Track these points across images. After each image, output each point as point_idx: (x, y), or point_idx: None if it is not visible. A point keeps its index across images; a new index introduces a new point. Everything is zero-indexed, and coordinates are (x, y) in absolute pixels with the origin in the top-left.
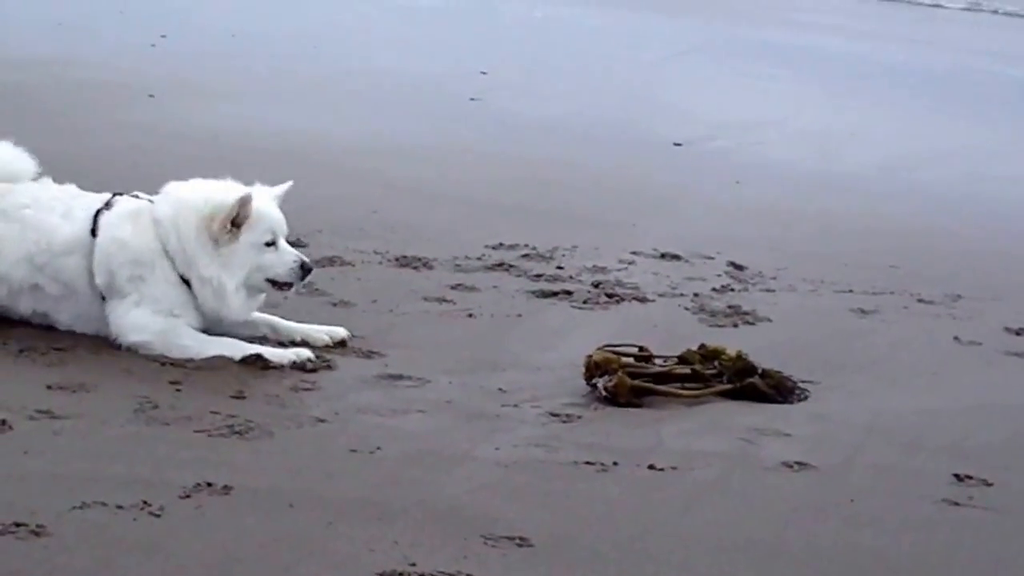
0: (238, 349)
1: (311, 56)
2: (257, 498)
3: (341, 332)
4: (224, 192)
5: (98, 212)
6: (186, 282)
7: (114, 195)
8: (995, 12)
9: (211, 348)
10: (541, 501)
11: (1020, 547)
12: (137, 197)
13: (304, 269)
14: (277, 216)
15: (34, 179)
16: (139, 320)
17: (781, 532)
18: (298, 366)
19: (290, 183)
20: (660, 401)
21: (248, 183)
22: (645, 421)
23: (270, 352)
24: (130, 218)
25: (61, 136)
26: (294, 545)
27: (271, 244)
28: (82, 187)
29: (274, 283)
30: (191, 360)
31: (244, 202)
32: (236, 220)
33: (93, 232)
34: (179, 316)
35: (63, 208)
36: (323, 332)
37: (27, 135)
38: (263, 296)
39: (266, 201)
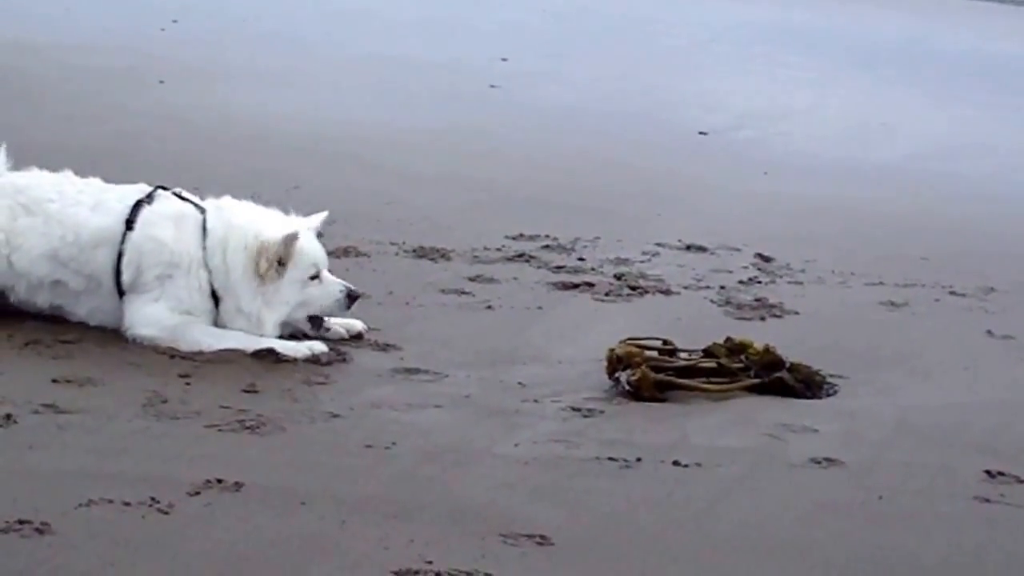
0: (250, 342)
1: (326, 42)
2: (268, 495)
3: (357, 325)
4: (272, 228)
5: (138, 204)
6: (214, 293)
7: (156, 188)
8: None
9: (222, 342)
10: (562, 499)
11: None
12: (180, 196)
13: (351, 297)
14: (318, 249)
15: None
16: (153, 315)
17: (808, 531)
18: (312, 360)
19: (325, 213)
20: (684, 396)
21: (293, 196)
22: (669, 416)
23: (283, 345)
24: (174, 220)
25: (71, 122)
26: (306, 544)
27: (315, 277)
28: (93, 174)
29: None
30: (201, 353)
31: (289, 241)
32: (281, 259)
33: (129, 224)
34: (193, 316)
35: (92, 201)
36: (339, 325)
37: (37, 120)
38: None
39: (305, 235)
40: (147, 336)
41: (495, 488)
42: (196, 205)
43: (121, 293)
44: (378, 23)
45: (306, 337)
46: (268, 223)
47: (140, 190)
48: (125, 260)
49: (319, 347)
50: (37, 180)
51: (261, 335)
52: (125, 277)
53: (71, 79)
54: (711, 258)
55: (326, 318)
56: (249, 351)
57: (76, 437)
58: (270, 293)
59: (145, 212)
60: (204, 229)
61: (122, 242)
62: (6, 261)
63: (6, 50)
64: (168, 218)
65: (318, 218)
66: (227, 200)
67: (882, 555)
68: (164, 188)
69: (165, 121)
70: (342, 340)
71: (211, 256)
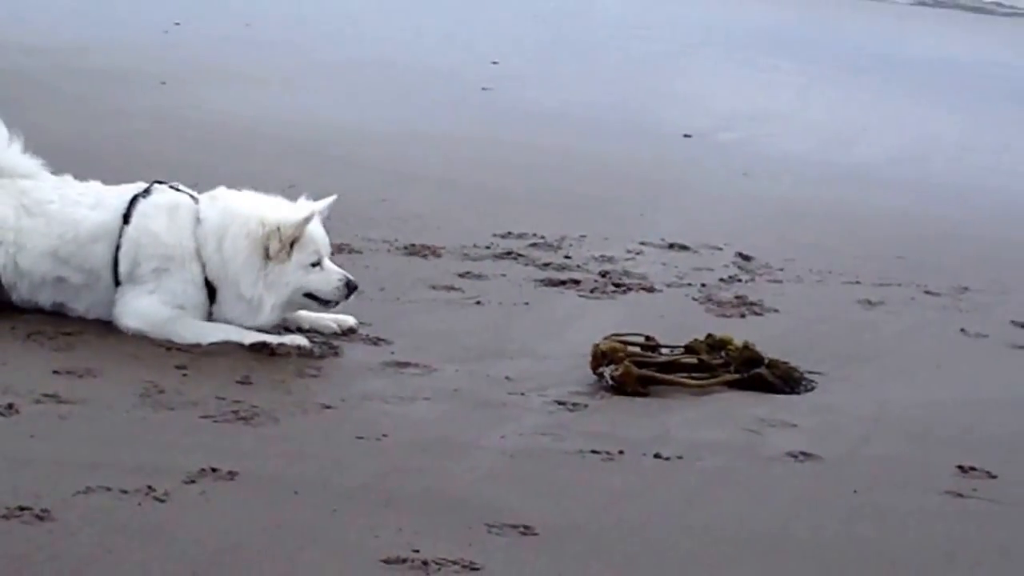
0: (241, 336)
1: (324, 45)
2: (262, 484)
3: (349, 320)
4: (279, 211)
5: (135, 198)
6: (208, 284)
7: (153, 183)
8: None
9: (211, 336)
10: (546, 490)
11: (1023, 537)
12: (176, 188)
13: (350, 287)
14: (323, 235)
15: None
16: (146, 308)
17: (786, 523)
18: (304, 353)
19: (334, 197)
20: (666, 390)
21: (289, 195)
22: (651, 410)
23: (274, 339)
24: (167, 211)
25: (74, 122)
26: (298, 531)
27: (316, 264)
28: (94, 172)
29: (319, 299)
30: (198, 345)
31: (308, 220)
32: (295, 240)
33: (126, 219)
34: (186, 310)
35: (92, 200)
36: (330, 320)
37: (40, 120)
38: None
39: (315, 220)
40: (135, 328)
41: (482, 479)
42: (192, 196)
43: (119, 285)
44: (372, 29)
45: (300, 331)
46: (272, 208)
47: (138, 186)
48: (122, 252)
49: (301, 340)
50: (39, 182)
51: (258, 320)
52: (122, 268)
53: (74, 80)
54: (693, 257)
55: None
56: (246, 343)
57: (76, 426)
58: (273, 276)
59: (140, 205)
60: (197, 219)
61: (119, 236)
62: (12, 261)
63: (10, 52)
64: (161, 209)
65: (326, 202)
66: (221, 190)
67: (856, 546)
68: (161, 182)
69: (166, 121)
70: (334, 335)
71: (204, 244)
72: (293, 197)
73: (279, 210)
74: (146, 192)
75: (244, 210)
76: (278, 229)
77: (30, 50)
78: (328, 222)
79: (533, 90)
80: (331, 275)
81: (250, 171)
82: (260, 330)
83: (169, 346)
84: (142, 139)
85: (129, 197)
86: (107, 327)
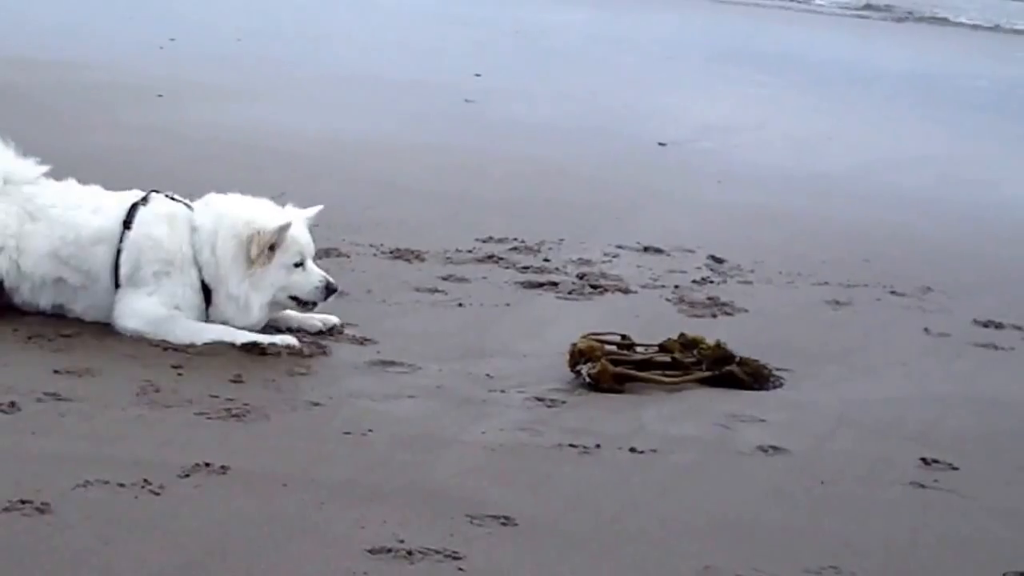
0: (233, 336)
1: (313, 60)
2: (253, 478)
3: (333, 319)
4: (264, 215)
5: (134, 206)
6: (205, 287)
7: (150, 192)
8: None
9: (206, 336)
10: (526, 482)
11: (984, 527)
12: (173, 198)
13: (329, 289)
14: (307, 239)
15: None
16: (144, 308)
17: (755, 513)
18: (294, 352)
19: (320, 207)
20: (641, 387)
21: (278, 200)
22: (626, 406)
23: (265, 339)
24: (167, 219)
25: (72, 134)
26: (288, 523)
27: (299, 265)
28: (92, 182)
29: (299, 300)
30: (193, 344)
31: (284, 229)
32: (273, 245)
33: (127, 224)
34: (182, 312)
35: (93, 204)
36: (316, 319)
37: (39, 133)
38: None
39: (298, 224)
40: (134, 328)
41: (463, 472)
42: (186, 205)
43: (118, 287)
44: (360, 44)
45: (289, 331)
46: (260, 212)
47: (136, 194)
48: (123, 256)
49: (291, 340)
50: (42, 188)
51: (248, 319)
52: (123, 271)
53: (73, 93)
54: (667, 260)
55: (312, 305)
56: (238, 343)
57: (75, 423)
58: (258, 276)
59: (141, 212)
60: (193, 227)
61: (120, 240)
62: (15, 265)
63: (12, 66)
64: (161, 217)
65: (313, 211)
66: (212, 196)
67: (824, 536)
68: (157, 192)
69: (162, 133)
70: (320, 333)
71: (200, 250)
72: (282, 204)
73: (264, 214)
74: (144, 200)
75: (232, 213)
76: (258, 233)
77: (29, 64)
78: (316, 228)
79: (514, 102)
80: (312, 276)
81: (242, 180)
82: (251, 331)
83: (165, 346)
84: (139, 150)
85: (129, 204)
86: (104, 329)
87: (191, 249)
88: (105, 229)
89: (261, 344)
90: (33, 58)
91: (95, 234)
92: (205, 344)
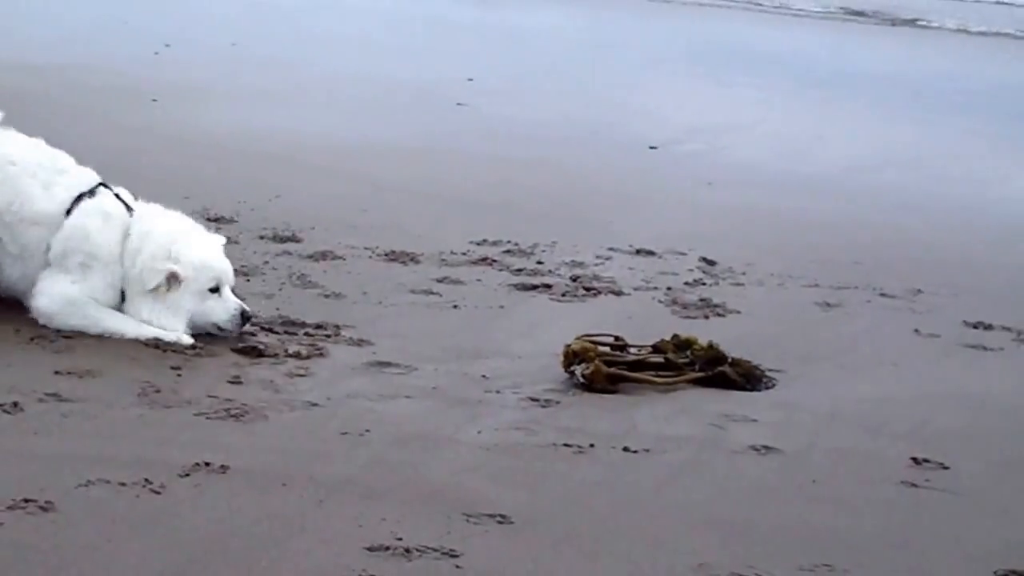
0: (139, 331)
1: (306, 64)
2: (252, 477)
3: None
4: (176, 249)
5: (80, 196)
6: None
7: (99, 184)
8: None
9: (111, 326)
10: (521, 481)
11: (974, 525)
12: (118, 196)
13: (244, 317)
14: (222, 266)
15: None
16: (61, 291)
17: (748, 512)
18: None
19: (224, 239)
20: (635, 388)
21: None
22: (620, 406)
23: (167, 335)
24: (103, 216)
25: (68, 137)
26: (287, 521)
27: (215, 291)
28: None
29: (217, 327)
30: (88, 332)
31: (172, 277)
32: (171, 279)
33: (68, 212)
34: (99, 303)
35: (46, 178)
36: None
37: (38, 134)
38: None
39: (214, 250)
40: (44, 307)
41: (460, 471)
42: (128, 207)
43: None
44: (354, 47)
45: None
46: (181, 242)
47: (87, 182)
48: (55, 240)
49: (188, 340)
50: (8, 138)
51: (168, 337)
52: (52, 253)
53: (69, 97)
54: (659, 261)
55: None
56: (129, 335)
57: (77, 423)
58: (171, 300)
59: (83, 204)
60: (127, 232)
61: (58, 228)
62: None
63: (11, 70)
64: (99, 214)
65: (220, 239)
66: (155, 208)
67: (815, 534)
68: (106, 186)
69: (158, 136)
70: (307, 335)
71: (126, 258)
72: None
73: (180, 248)
74: (91, 192)
75: (158, 239)
76: (159, 270)
77: (26, 69)
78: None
79: (507, 105)
80: (228, 304)
81: (238, 181)
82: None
83: (165, 348)
84: (137, 151)
85: (75, 194)
86: None
87: (119, 248)
88: (46, 214)
89: (163, 340)
90: (30, 61)
91: (36, 216)
92: (106, 333)
